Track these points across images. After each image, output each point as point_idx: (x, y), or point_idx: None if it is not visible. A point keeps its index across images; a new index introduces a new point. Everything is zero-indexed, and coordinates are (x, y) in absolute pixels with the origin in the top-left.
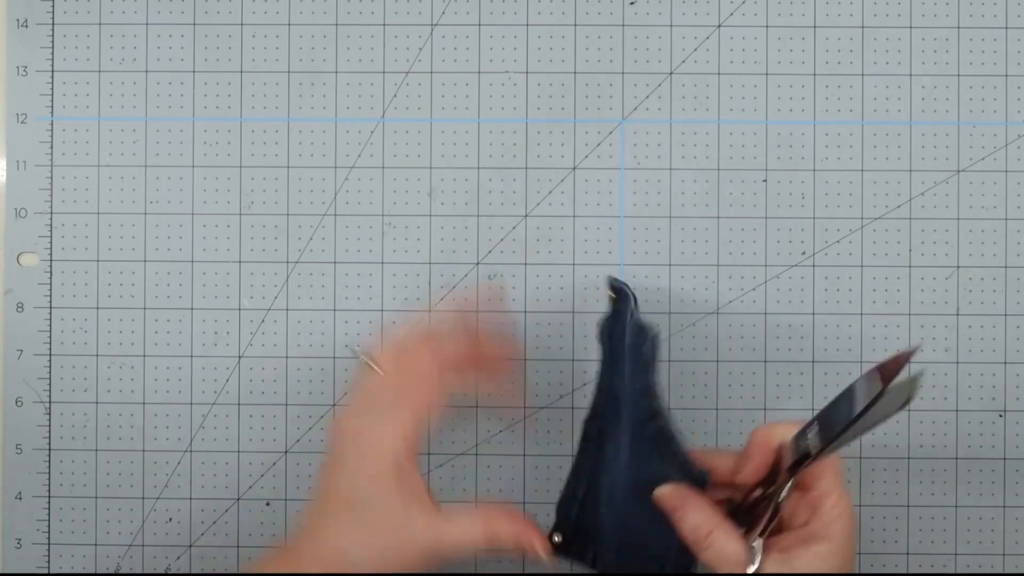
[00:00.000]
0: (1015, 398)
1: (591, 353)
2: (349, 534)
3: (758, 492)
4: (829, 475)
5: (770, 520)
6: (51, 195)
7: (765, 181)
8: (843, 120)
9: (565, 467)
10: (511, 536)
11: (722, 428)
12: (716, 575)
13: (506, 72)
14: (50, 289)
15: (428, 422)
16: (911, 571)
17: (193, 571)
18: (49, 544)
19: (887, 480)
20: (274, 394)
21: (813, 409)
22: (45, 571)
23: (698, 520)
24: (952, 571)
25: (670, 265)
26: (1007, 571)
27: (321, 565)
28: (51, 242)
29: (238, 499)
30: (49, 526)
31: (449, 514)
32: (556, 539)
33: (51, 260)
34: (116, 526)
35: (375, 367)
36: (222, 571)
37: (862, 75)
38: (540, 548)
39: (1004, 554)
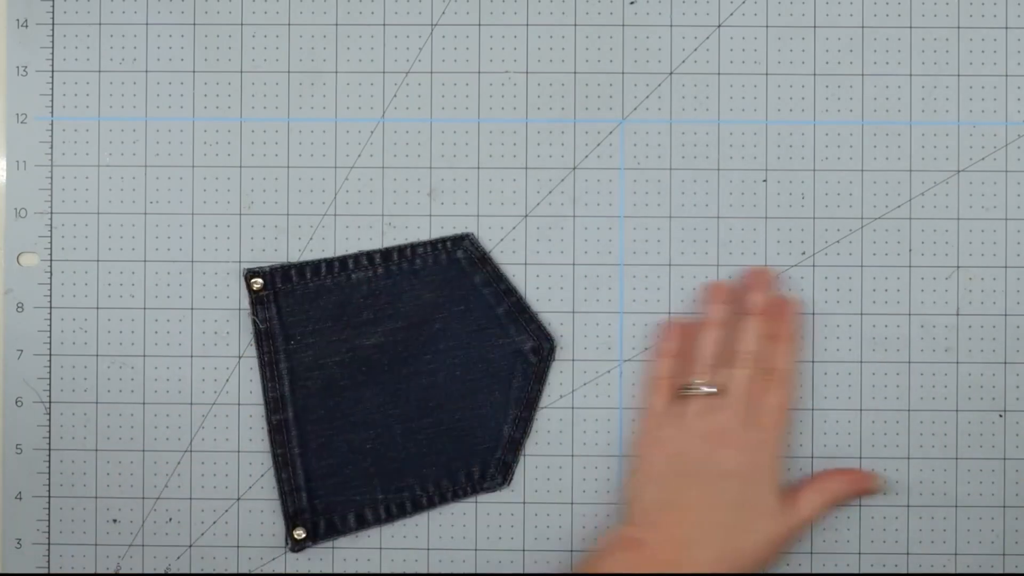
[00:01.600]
0: (1015, 398)
1: (591, 353)
2: (693, 532)
3: None
4: None
5: None
6: (51, 195)
7: (765, 181)
8: (843, 120)
9: (566, 467)
10: (848, 492)
11: None
12: None
13: (506, 72)
14: (50, 289)
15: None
16: (911, 571)
17: (193, 571)
18: (49, 544)
19: (887, 480)
20: None
21: (812, 409)
22: (45, 571)
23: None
24: (952, 571)
25: (670, 265)
26: (1007, 571)
27: (663, 560)
28: (51, 242)
29: (238, 499)
30: (49, 526)
31: (791, 500)
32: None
33: (51, 260)
34: (116, 526)
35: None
36: (222, 571)
37: (862, 75)
38: (874, 485)
39: (1004, 554)
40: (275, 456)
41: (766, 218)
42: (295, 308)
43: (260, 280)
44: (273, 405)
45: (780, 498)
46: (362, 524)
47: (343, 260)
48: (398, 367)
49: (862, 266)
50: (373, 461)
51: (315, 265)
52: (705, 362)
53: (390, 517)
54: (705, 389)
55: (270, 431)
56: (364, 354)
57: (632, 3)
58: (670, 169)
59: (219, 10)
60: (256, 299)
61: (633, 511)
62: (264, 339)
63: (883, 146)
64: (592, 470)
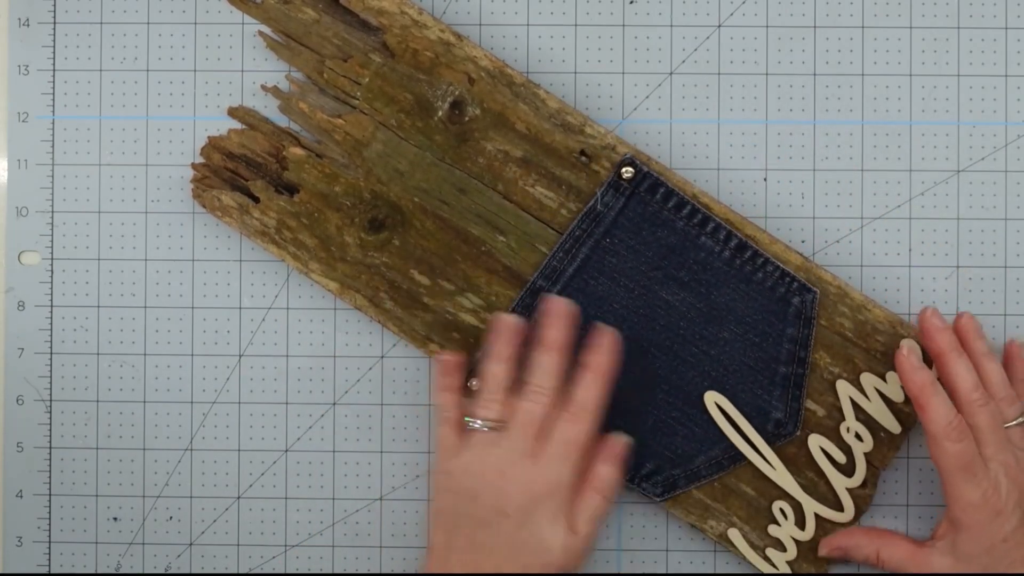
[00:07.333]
0: None
1: None
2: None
3: None
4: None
5: None
6: (52, 194)
7: (765, 180)
8: (843, 120)
9: None
10: (613, 475)
11: None
12: None
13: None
14: (51, 288)
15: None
16: None
17: (194, 570)
18: (50, 542)
19: (887, 479)
20: (274, 393)
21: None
22: (46, 570)
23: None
24: None
25: None
26: None
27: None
28: (52, 241)
29: (238, 498)
30: (50, 524)
31: (572, 523)
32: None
33: (52, 259)
34: (116, 524)
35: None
36: (222, 571)
37: (862, 75)
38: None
39: None
40: (514, 308)
41: (766, 218)
42: (636, 217)
43: (632, 170)
44: (548, 271)
45: (562, 528)
46: None
47: (705, 219)
48: (672, 336)
49: (862, 266)
50: None
51: (683, 201)
52: (490, 394)
53: None
54: (478, 424)
55: (527, 291)
56: (651, 302)
57: (632, 3)
58: (670, 169)
59: (220, 9)
60: (614, 184)
61: (428, 552)
62: (589, 217)
63: (883, 146)
64: None
